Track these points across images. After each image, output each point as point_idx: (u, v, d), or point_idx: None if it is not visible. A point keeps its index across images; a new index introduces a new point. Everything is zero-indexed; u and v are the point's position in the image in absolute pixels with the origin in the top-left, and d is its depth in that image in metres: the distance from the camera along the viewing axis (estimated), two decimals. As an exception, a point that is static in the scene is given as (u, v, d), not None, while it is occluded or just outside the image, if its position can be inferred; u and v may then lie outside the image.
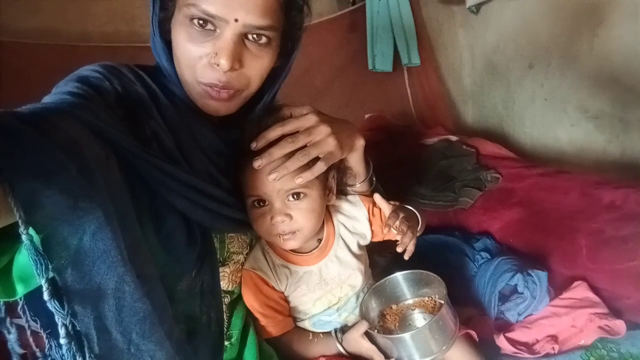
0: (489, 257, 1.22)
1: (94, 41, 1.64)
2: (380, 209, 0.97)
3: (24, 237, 0.49)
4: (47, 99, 0.66)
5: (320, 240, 0.96)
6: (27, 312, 0.65)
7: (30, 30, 1.51)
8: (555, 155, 1.86)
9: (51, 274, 0.51)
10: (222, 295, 0.91)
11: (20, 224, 0.48)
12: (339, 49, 2.07)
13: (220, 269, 0.90)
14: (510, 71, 2.03)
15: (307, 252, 0.95)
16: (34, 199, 0.50)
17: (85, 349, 0.54)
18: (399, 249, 0.91)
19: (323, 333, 0.99)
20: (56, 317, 0.52)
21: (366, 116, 2.02)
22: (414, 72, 2.16)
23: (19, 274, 0.58)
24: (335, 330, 0.98)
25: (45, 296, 0.51)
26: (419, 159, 1.71)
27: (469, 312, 1.09)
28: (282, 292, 0.95)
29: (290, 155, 0.81)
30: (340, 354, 0.94)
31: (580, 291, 1.05)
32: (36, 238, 0.51)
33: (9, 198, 0.48)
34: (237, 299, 0.96)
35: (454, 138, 1.80)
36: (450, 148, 1.72)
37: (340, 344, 0.94)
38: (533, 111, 1.96)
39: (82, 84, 0.68)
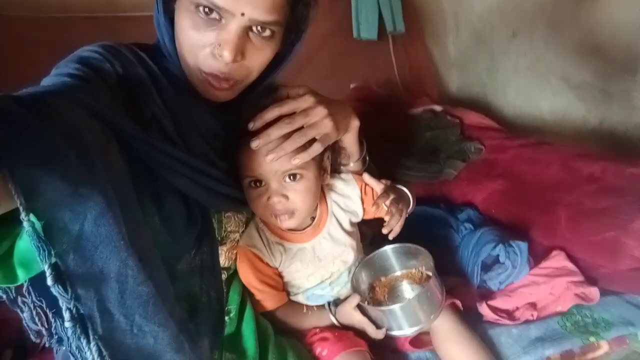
0: (472, 228, 1.26)
1: (72, 12, 1.59)
2: (372, 188, 0.99)
3: (25, 223, 0.49)
4: (46, 81, 0.66)
5: (313, 218, 0.98)
6: (32, 293, 0.66)
7: (7, 2, 1.46)
8: (536, 124, 1.89)
9: (54, 259, 0.52)
10: (219, 272, 0.94)
11: (21, 211, 0.49)
12: (324, 16, 2.02)
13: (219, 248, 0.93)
14: (494, 39, 2.03)
15: (301, 230, 0.97)
16: (34, 185, 0.50)
17: (89, 331, 0.56)
18: (385, 231, 0.94)
19: (317, 306, 1.03)
20: (60, 300, 0.53)
21: (351, 86, 2.01)
22: (398, 40, 2.15)
23: (20, 259, 0.58)
24: (329, 304, 1.02)
25: (49, 281, 0.52)
26: (404, 131, 1.72)
27: (452, 282, 1.13)
28: (276, 268, 0.98)
29: (287, 136, 0.82)
30: (333, 326, 0.99)
31: (558, 260, 1.11)
32: (37, 224, 0.51)
33: (10, 185, 0.48)
34: (234, 275, 0.99)
35: (438, 108, 1.82)
36: (435, 119, 1.74)
37: (334, 316, 0.98)
38: (516, 80, 1.97)
39: (82, 66, 0.68)
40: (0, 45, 1.40)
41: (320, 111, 0.85)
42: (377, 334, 0.95)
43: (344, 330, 0.97)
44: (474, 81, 2.20)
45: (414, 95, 2.06)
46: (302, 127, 0.83)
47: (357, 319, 0.95)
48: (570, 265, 1.09)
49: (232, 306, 0.94)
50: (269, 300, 0.98)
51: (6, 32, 1.43)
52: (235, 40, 0.72)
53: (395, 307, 0.91)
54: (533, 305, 1.05)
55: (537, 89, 1.87)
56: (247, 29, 0.74)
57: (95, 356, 0.56)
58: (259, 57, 0.78)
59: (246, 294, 0.98)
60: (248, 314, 0.94)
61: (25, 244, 0.56)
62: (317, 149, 0.84)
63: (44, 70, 0.68)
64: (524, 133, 1.69)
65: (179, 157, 0.74)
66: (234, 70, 0.76)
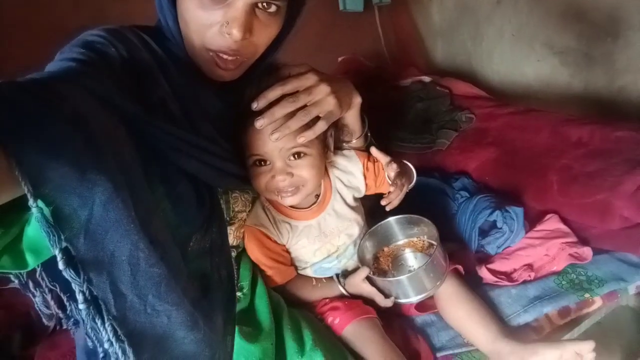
0: (468, 195, 1.30)
1: (53, -10, 1.54)
2: (374, 163, 1.02)
3: (34, 209, 0.49)
4: (51, 66, 0.66)
5: (317, 196, 1.00)
6: (45, 278, 0.67)
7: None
8: (521, 91, 1.92)
9: (64, 244, 0.52)
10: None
11: (29, 197, 0.49)
12: (309, -11, 2.01)
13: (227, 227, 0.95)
14: (479, 7, 2.04)
15: (306, 208, 1.00)
16: (41, 172, 0.50)
17: (104, 312, 0.57)
18: (384, 202, 0.97)
19: (325, 278, 1.06)
20: (72, 284, 0.54)
21: (339, 59, 2.01)
22: (384, 10, 2.14)
23: (29, 245, 0.59)
24: (337, 275, 1.05)
25: (60, 265, 0.52)
26: (395, 102, 1.74)
27: (451, 247, 1.15)
28: (284, 245, 1.01)
29: (291, 114, 0.82)
30: (342, 296, 1.03)
31: (552, 223, 1.15)
32: (46, 210, 0.51)
33: (16, 172, 0.48)
34: (243, 252, 1.01)
35: (427, 79, 1.83)
36: (425, 90, 1.76)
37: (343, 286, 1.02)
38: (501, 47, 1.99)
39: (87, 50, 0.67)
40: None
41: (323, 89, 0.86)
42: (385, 303, 0.99)
43: (353, 299, 1.01)
44: (459, 49, 2.20)
45: (401, 66, 2.07)
46: (305, 105, 0.84)
47: (367, 290, 0.99)
48: (563, 227, 1.14)
49: (244, 282, 0.96)
50: (278, 275, 1.01)
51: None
52: (244, 17, 0.72)
53: (403, 278, 0.95)
54: (530, 267, 1.10)
55: (522, 56, 1.90)
56: (254, 6, 0.73)
57: (111, 336, 0.58)
58: (265, 34, 0.78)
59: (257, 270, 1.00)
60: (260, 288, 0.97)
61: (34, 230, 0.57)
62: (321, 126, 0.85)
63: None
64: (510, 100, 1.71)
65: (184, 138, 0.75)
66: (242, 48, 0.76)
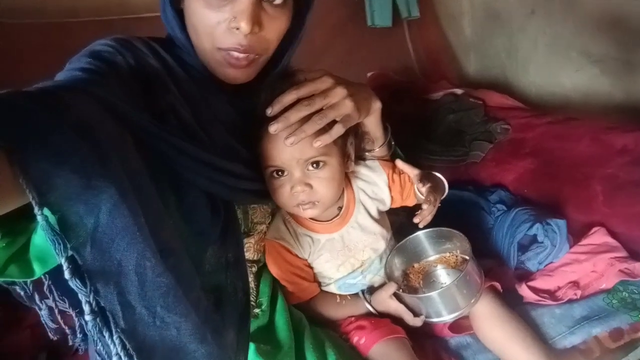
0: (505, 208, 1.23)
1: (83, 16, 1.58)
2: (400, 175, 0.96)
3: (39, 217, 0.49)
4: (59, 76, 0.66)
5: (340, 208, 0.96)
6: (54, 292, 0.66)
7: (15, 11, 1.45)
8: (560, 102, 1.85)
9: (70, 253, 0.51)
10: (249, 264, 0.93)
11: (34, 205, 0.48)
12: (337, 5, 2.00)
13: (245, 240, 0.91)
14: (511, 18, 1.99)
15: (329, 220, 0.95)
16: (47, 179, 0.49)
17: (111, 324, 0.55)
18: (416, 220, 0.91)
19: (350, 295, 1.00)
20: (79, 294, 0.53)
21: (369, 74, 1.99)
22: (414, 25, 2.12)
23: (36, 254, 0.58)
24: (363, 292, 0.99)
25: (66, 275, 0.51)
26: (426, 115, 1.69)
27: (488, 264, 1.10)
28: (306, 259, 0.97)
29: (307, 119, 0.79)
30: (369, 314, 0.97)
31: (598, 237, 1.06)
32: (52, 218, 0.51)
33: (21, 180, 0.47)
34: (263, 267, 0.97)
35: (459, 91, 1.78)
36: (457, 102, 1.70)
37: (369, 304, 0.96)
38: (536, 58, 1.93)
39: (94, 59, 0.67)
40: (11, 53, 1.38)
41: (340, 92, 0.82)
42: (414, 322, 0.92)
43: (381, 318, 0.95)
44: (493, 62, 2.15)
45: (432, 81, 2.03)
46: (321, 109, 0.80)
47: (394, 307, 0.93)
48: (611, 241, 1.04)
49: (263, 298, 0.93)
50: (300, 292, 0.97)
51: (16, 40, 1.42)
52: (250, 9, 0.71)
53: (434, 294, 0.89)
54: (576, 284, 1.01)
55: (558, 66, 1.83)
56: None
57: (119, 349, 0.56)
58: (274, 27, 0.77)
59: (277, 286, 0.96)
60: (280, 305, 0.93)
61: (41, 238, 0.57)
62: (338, 130, 0.81)
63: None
64: (550, 112, 1.64)
65: (195, 155, 0.72)
66: (253, 43, 0.74)
